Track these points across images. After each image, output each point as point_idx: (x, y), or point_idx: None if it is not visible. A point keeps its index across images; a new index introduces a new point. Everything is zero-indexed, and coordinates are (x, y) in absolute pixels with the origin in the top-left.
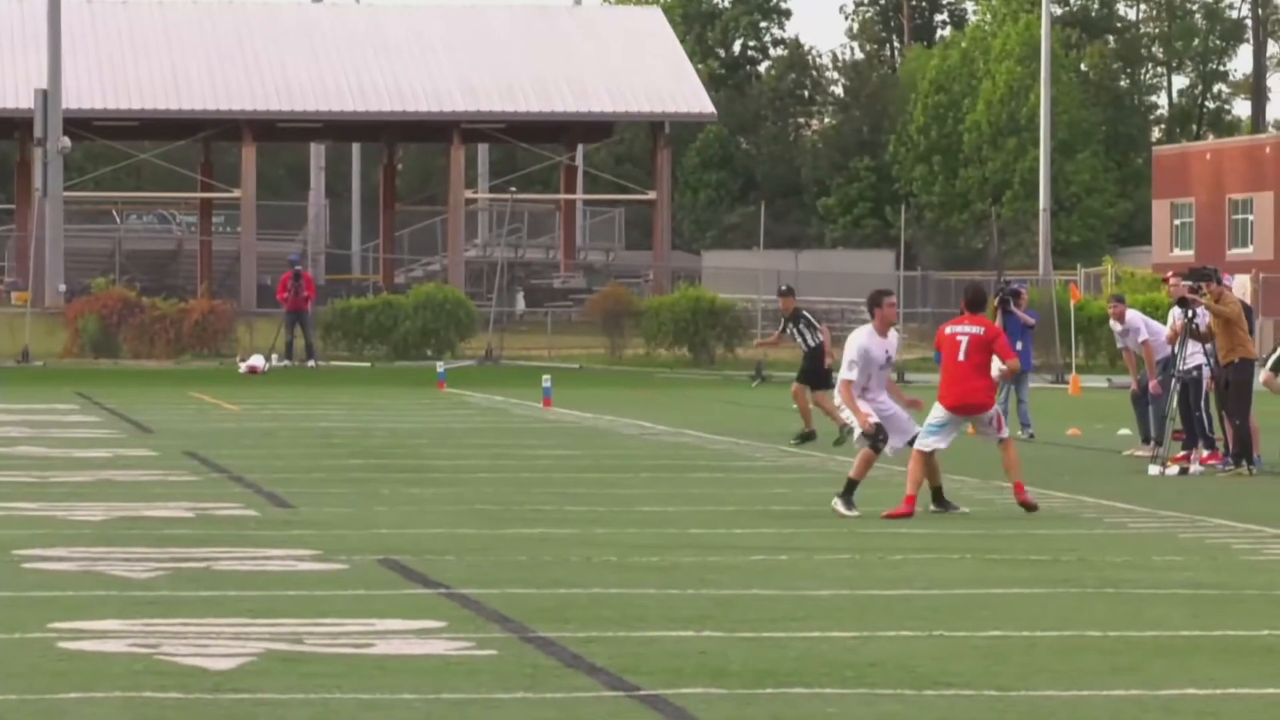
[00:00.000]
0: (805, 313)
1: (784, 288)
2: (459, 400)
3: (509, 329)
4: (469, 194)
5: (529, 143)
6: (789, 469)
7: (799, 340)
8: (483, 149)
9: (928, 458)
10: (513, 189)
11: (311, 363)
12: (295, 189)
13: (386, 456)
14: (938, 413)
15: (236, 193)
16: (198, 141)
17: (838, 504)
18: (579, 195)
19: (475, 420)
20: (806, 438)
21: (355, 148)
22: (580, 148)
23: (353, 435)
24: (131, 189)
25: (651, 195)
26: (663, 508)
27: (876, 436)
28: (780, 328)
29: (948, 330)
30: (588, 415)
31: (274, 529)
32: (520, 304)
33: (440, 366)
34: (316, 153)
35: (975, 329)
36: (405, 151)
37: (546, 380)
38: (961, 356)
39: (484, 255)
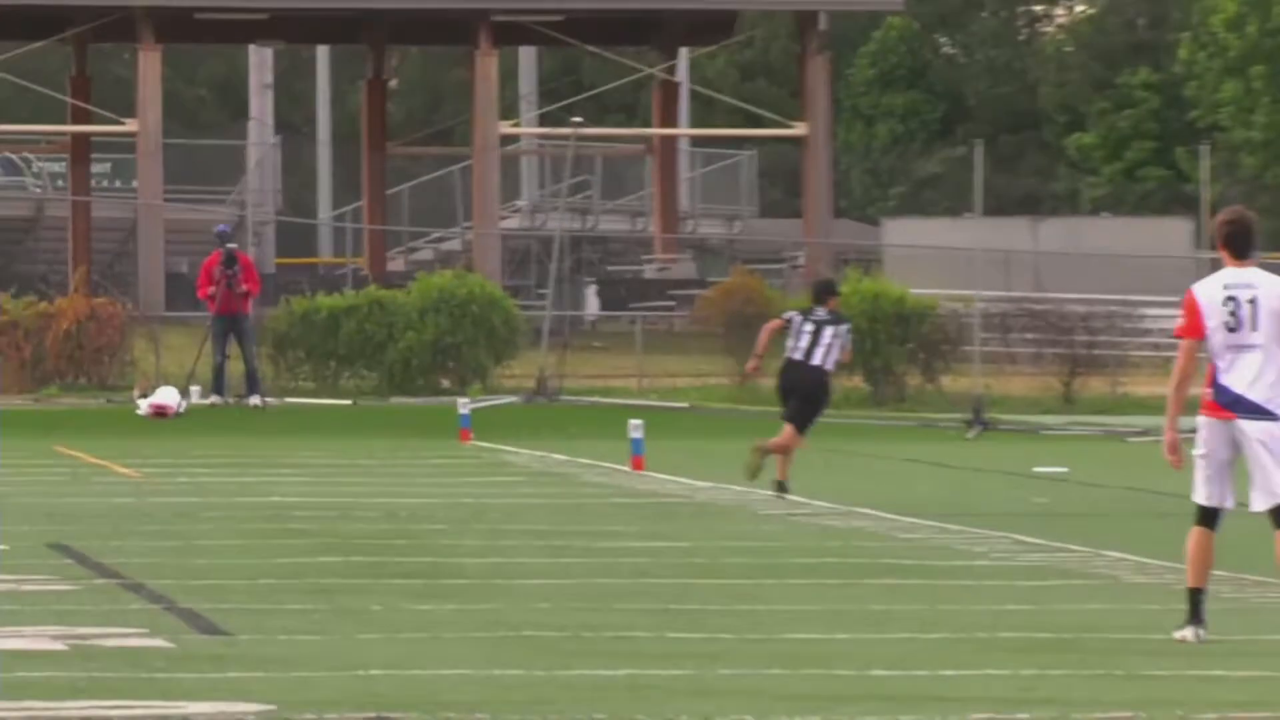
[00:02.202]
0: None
1: (823, 281)
2: (494, 459)
3: (574, 344)
4: (505, 128)
5: (601, 45)
6: (1030, 571)
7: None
8: (527, 55)
9: None
10: (577, 120)
11: (255, 399)
12: (226, 120)
13: (379, 551)
14: None
15: (130, 125)
16: (64, 43)
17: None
18: (682, 130)
19: (520, 491)
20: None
21: (321, 53)
22: (685, 54)
23: (323, 517)
24: None
25: (801, 129)
26: (826, 635)
27: None
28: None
29: None
30: (702, 484)
31: (196, 669)
32: (592, 304)
33: (464, 406)
34: (260, 61)
35: None
36: (402, 60)
37: (636, 428)
38: None
39: (532, 226)
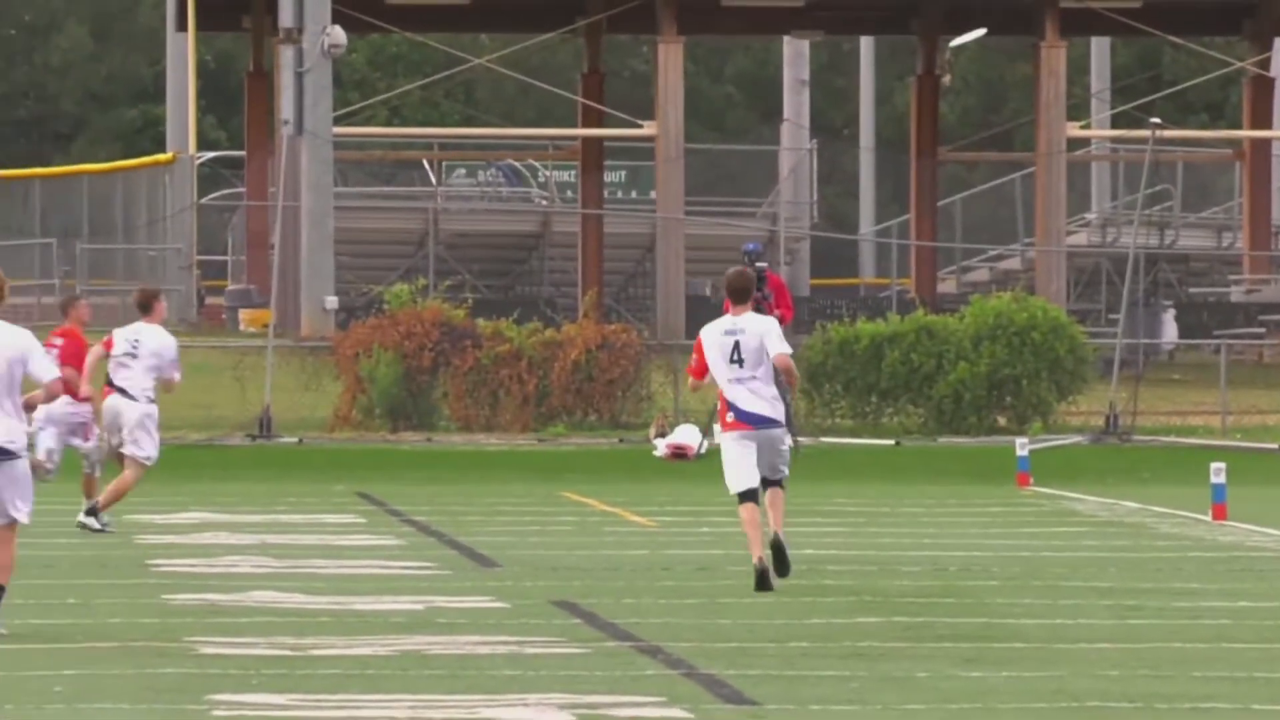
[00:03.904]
0: None
1: None
2: (1055, 507)
3: (1149, 377)
4: (1073, 129)
5: (1184, 35)
6: None
7: None
8: (1099, 47)
9: None
10: (1155, 120)
11: (786, 439)
12: (756, 122)
13: (923, 611)
14: None
15: (649, 127)
16: (575, 35)
17: None
18: (1278, 132)
19: (1084, 544)
20: None
21: (865, 45)
22: None
23: (861, 571)
24: (455, 123)
25: None
26: None
27: None
28: None
29: None
30: None
31: None
32: (1170, 331)
33: (1022, 446)
34: (795, 55)
35: None
36: (957, 54)
37: (1218, 472)
38: None
39: (1102, 242)
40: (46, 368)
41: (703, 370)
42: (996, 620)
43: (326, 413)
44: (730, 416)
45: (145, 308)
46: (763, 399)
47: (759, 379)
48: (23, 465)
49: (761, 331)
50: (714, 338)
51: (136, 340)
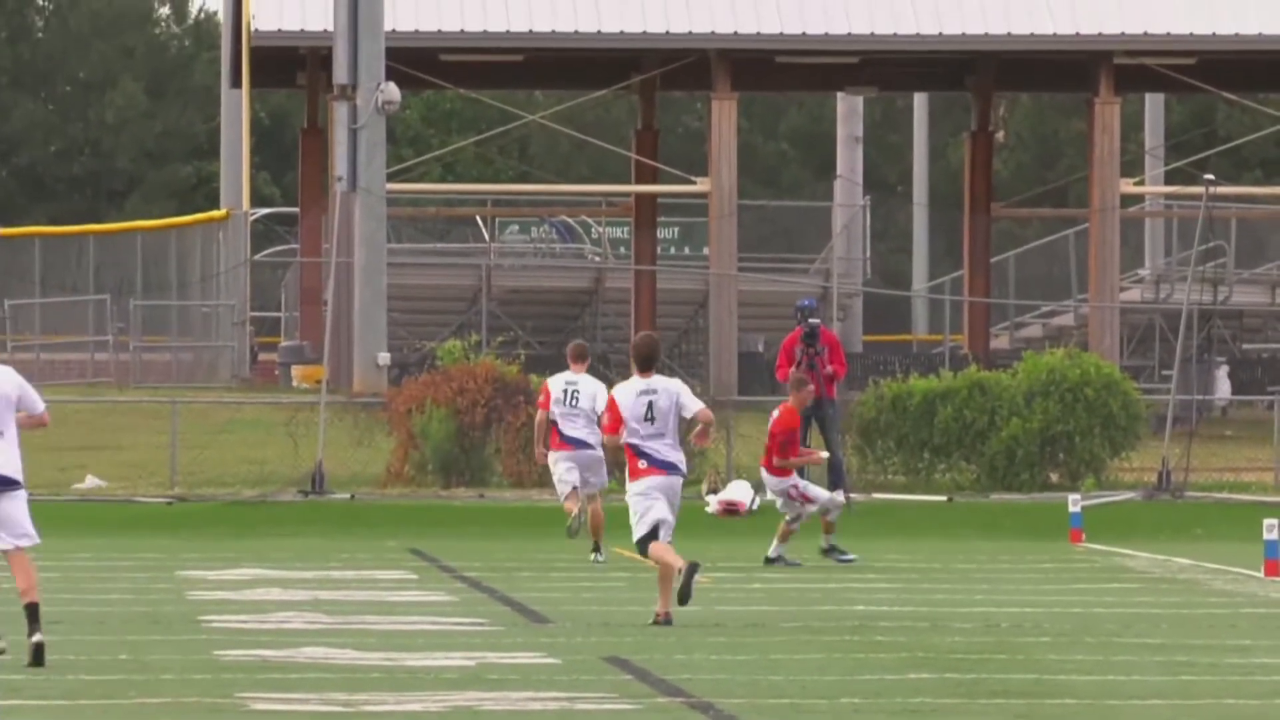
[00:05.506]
0: None
1: None
2: (1107, 563)
3: (1202, 433)
4: (1127, 186)
5: (1238, 91)
6: None
7: None
8: (1153, 103)
9: None
10: (1209, 177)
11: (839, 494)
12: (810, 178)
13: (975, 667)
14: None
15: (702, 184)
16: (629, 91)
17: None
18: None
19: (1137, 600)
20: None
21: (919, 101)
22: None
23: (913, 628)
24: (509, 179)
25: None
26: None
27: None
28: None
29: None
30: None
31: None
32: (1222, 388)
33: (1075, 503)
34: (848, 111)
35: None
36: (1011, 110)
37: (1271, 528)
38: None
39: (1155, 299)
40: (34, 401)
41: (616, 426)
42: (1048, 676)
43: (379, 469)
44: (643, 464)
45: (581, 357)
46: (674, 452)
47: (668, 436)
48: (22, 494)
49: (675, 391)
50: (628, 399)
51: (577, 390)
